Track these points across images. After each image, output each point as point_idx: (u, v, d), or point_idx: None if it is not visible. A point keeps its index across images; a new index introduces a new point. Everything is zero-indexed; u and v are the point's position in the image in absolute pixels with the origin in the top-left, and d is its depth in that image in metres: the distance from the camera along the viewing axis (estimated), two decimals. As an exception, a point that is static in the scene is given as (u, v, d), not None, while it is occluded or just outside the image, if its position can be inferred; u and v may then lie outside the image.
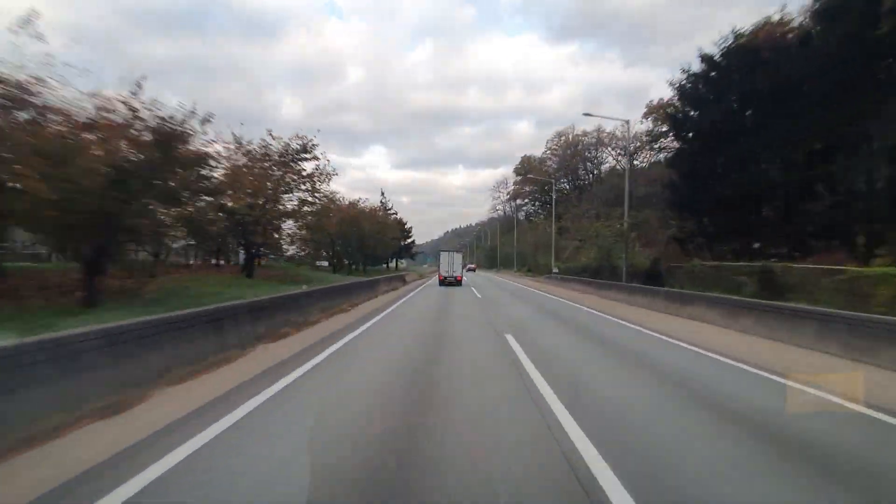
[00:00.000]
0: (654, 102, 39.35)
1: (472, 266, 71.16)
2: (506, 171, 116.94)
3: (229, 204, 18.31)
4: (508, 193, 77.92)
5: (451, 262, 26.37)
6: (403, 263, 76.68)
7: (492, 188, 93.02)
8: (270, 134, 22.46)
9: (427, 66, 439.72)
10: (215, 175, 16.20)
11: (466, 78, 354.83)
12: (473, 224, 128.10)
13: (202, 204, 15.86)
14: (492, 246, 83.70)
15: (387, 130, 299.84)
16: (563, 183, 64.30)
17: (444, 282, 26.22)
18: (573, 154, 60.25)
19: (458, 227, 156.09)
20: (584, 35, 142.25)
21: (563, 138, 62.50)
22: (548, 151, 65.18)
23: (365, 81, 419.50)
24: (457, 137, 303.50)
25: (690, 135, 22.50)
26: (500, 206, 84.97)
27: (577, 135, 60.74)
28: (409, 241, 66.08)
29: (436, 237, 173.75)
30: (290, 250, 29.87)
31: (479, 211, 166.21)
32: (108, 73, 47.83)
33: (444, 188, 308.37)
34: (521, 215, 76.17)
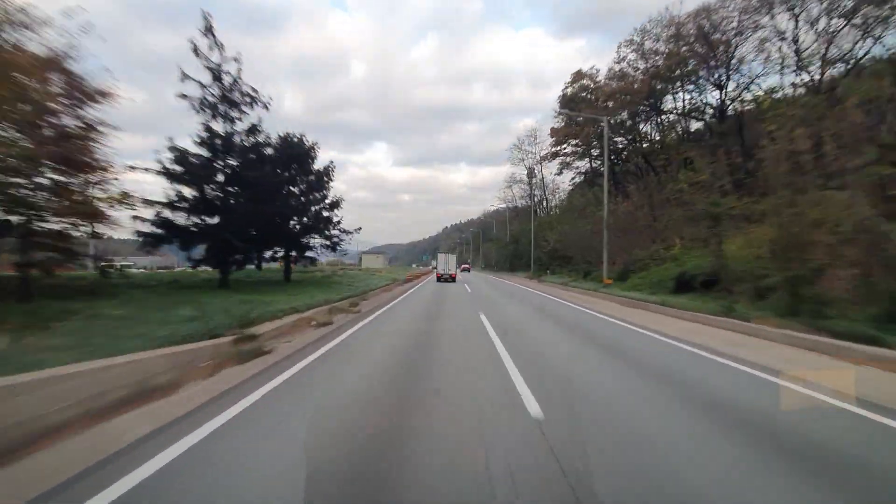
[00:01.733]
0: None
1: (467, 266, 67.68)
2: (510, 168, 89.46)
3: None
4: (551, 144, 43.98)
5: (446, 262, 31.57)
6: (319, 265, 37.67)
7: (512, 147, 62.75)
8: None
9: (432, 62, 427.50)
10: None
11: (471, 74, 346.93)
12: (475, 219, 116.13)
13: None
14: (512, 238, 61.37)
15: (389, 127, 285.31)
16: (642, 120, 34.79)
17: (440, 278, 30.55)
18: (691, 39, 26.86)
19: (458, 222, 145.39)
20: (592, 29, 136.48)
21: (654, 29, 30.01)
22: (631, 53, 32.06)
23: (368, 77, 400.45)
24: (460, 134, 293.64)
25: None
26: (522, 175, 57.89)
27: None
28: (332, 199, 25.42)
29: (434, 233, 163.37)
30: None
31: (479, 209, 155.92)
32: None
33: (446, 186, 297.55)
34: (563, 183, 52.71)
